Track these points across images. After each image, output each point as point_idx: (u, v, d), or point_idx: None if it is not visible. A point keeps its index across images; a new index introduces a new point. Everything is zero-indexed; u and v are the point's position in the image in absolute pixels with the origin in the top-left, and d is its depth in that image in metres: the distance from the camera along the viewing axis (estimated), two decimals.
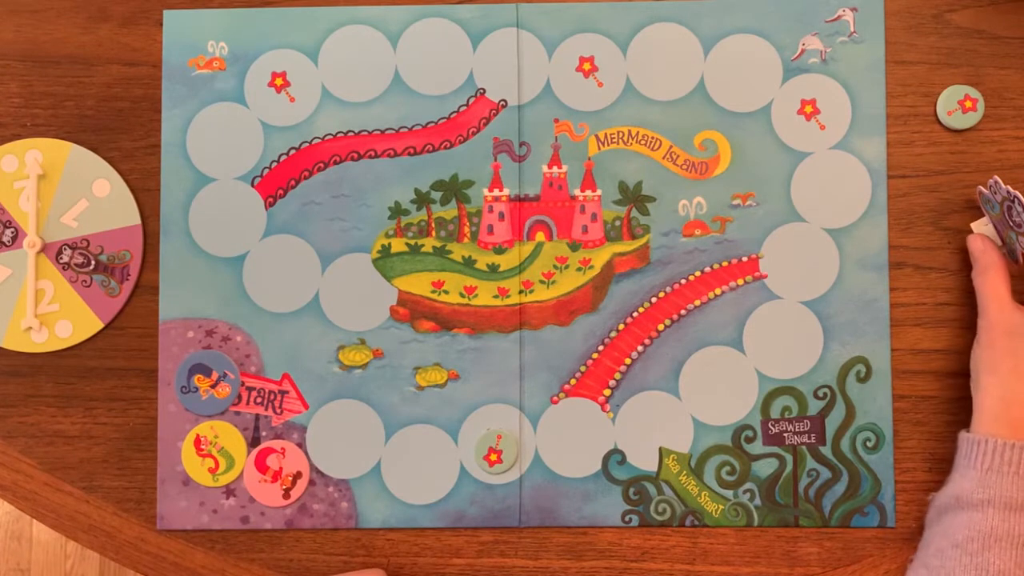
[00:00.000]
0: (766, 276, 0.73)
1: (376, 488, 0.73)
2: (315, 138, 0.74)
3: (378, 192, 0.74)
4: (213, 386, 0.74)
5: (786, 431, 0.72)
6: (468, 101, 0.74)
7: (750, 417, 0.73)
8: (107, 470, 0.74)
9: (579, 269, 0.74)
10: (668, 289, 0.73)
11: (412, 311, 0.74)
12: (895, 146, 0.73)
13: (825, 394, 0.73)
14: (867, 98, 0.73)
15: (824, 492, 0.72)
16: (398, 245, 0.74)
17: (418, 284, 0.74)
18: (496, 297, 0.74)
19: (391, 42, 0.75)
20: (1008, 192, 0.64)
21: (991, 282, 0.68)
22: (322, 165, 0.74)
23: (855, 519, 0.72)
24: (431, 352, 0.74)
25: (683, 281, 0.73)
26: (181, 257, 0.74)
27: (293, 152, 0.74)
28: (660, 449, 0.73)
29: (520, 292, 0.74)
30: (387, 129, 0.74)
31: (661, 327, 0.73)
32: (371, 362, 0.74)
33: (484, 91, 0.74)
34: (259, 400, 0.74)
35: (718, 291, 0.73)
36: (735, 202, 0.74)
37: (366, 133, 0.74)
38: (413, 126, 0.74)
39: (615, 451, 0.73)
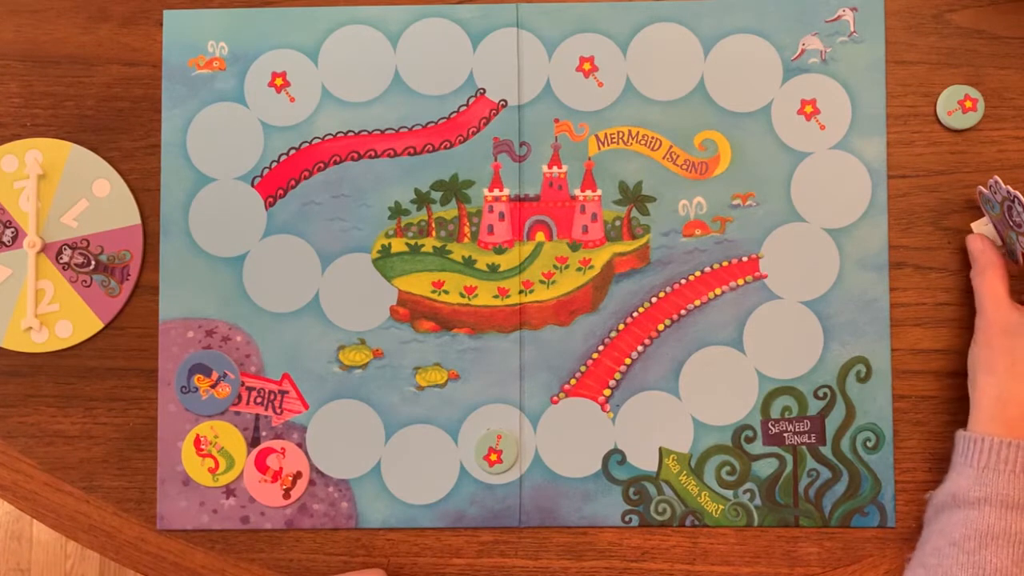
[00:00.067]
0: (766, 276, 0.73)
1: (376, 488, 0.73)
2: (315, 138, 0.74)
3: (378, 192, 0.74)
4: (213, 386, 0.74)
5: (786, 431, 0.72)
6: (468, 101, 0.74)
7: (750, 417, 0.73)
8: (107, 470, 0.74)
9: (579, 269, 0.74)
10: (668, 289, 0.73)
11: (412, 311, 0.74)
12: (895, 146, 0.73)
13: (825, 394, 0.73)
14: (867, 98, 0.73)
15: (824, 492, 0.72)
16: (398, 245, 0.74)
17: (418, 284, 0.74)
18: (496, 297, 0.74)
19: (391, 42, 0.75)
20: (1008, 192, 0.64)
21: (989, 281, 0.68)
22: (322, 165, 0.74)
23: (855, 519, 0.72)
24: (431, 352, 0.74)
25: (683, 281, 0.73)
26: (181, 257, 0.74)
27: (293, 152, 0.74)
28: (660, 449, 0.73)
29: (520, 292, 0.74)
30: (387, 129, 0.74)
31: (661, 327, 0.73)
32: (371, 362, 0.74)
33: (484, 91, 0.74)
34: (259, 400, 0.74)
35: (718, 291, 0.73)
36: (735, 202, 0.74)
37: (366, 133, 0.74)
38: (413, 126, 0.74)
39: (615, 451, 0.73)
